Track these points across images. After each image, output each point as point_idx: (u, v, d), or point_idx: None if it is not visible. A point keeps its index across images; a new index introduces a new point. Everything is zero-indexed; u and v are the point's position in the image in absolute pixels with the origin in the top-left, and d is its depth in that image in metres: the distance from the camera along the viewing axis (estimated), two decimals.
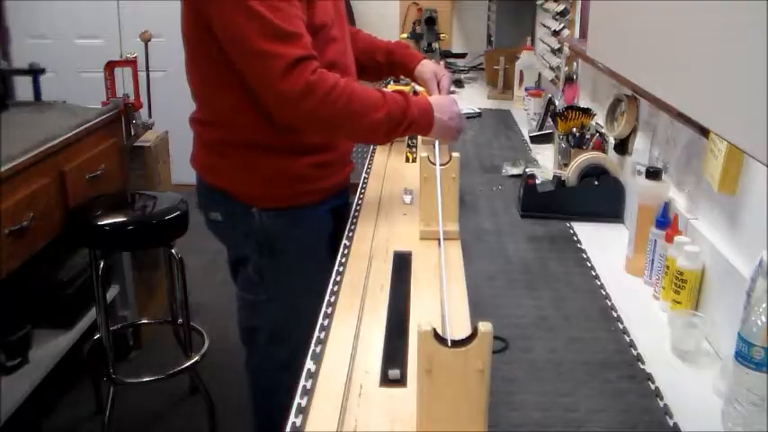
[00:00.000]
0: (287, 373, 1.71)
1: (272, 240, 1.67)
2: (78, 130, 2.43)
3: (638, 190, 1.57)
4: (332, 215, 1.78)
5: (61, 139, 2.31)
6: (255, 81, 1.49)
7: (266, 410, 1.89)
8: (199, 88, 1.64)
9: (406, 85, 2.23)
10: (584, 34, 2.41)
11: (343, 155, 1.77)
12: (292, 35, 1.44)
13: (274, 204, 1.65)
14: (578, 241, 1.71)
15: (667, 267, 1.37)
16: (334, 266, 1.51)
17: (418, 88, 1.97)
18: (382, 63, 1.93)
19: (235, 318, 1.87)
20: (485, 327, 0.84)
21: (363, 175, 2.09)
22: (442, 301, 1.24)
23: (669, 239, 1.40)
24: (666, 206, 1.47)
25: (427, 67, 1.88)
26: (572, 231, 1.77)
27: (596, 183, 1.82)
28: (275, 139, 1.60)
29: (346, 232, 1.67)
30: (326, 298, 1.35)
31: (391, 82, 2.68)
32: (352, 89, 1.51)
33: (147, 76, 2.78)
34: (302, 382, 1.09)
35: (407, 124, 1.58)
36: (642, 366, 1.19)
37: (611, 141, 1.97)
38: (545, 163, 2.27)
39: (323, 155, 1.67)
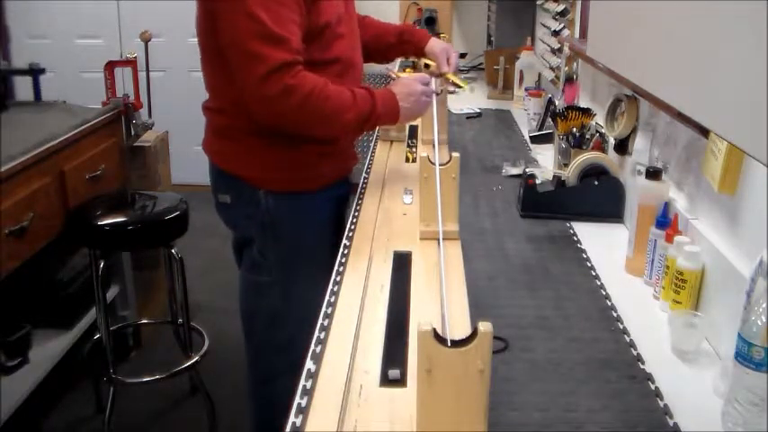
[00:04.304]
0: (284, 357, 1.78)
1: (276, 222, 1.75)
2: (78, 130, 2.43)
3: (638, 190, 1.57)
4: (337, 205, 1.87)
5: (61, 139, 2.31)
6: (240, 79, 1.58)
7: (263, 396, 1.94)
8: (210, 79, 1.73)
9: (413, 67, 2.32)
10: (584, 34, 2.41)
11: (347, 146, 1.85)
12: (282, 39, 1.52)
13: (279, 188, 1.74)
14: (578, 241, 1.71)
15: (667, 267, 1.37)
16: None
17: (429, 62, 2.04)
18: (394, 43, 2.04)
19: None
20: (485, 327, 0.84)
21: (363, 175, 2.09)
22: (442, 301, 1.24)
23: (669, 239, 1.40)
24: (666, 206, 1.47)
25: (437, 44, 2.01)
26: (572, 231, 1.77)
27: (596, 183, 1.82)
28: None
29: (346, 232, 1.67)
30: (326, 298, 1.35)
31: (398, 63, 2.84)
32: (327, 93, 1.59)
33: (147, 76, 2.78)
34: (302, 382, 1.08)
35: (375, 120, 1.68)
36: (642, 366, 1.19)
37: (611, 141, 1.97)
38: (545, 163, 2.27)
39: (328, 146, 1.76)
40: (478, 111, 3.00)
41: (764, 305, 0.96)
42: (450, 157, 1.51)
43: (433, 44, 2.00)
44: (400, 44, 2.04)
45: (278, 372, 1.85)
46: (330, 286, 1.40)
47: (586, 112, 2.04)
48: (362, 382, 1.08)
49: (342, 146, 1.82)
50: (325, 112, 1.60)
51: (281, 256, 1.79)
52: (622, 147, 1.89)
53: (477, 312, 1.28)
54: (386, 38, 2.04)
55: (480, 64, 3.90)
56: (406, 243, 1.57)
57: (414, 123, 2.55)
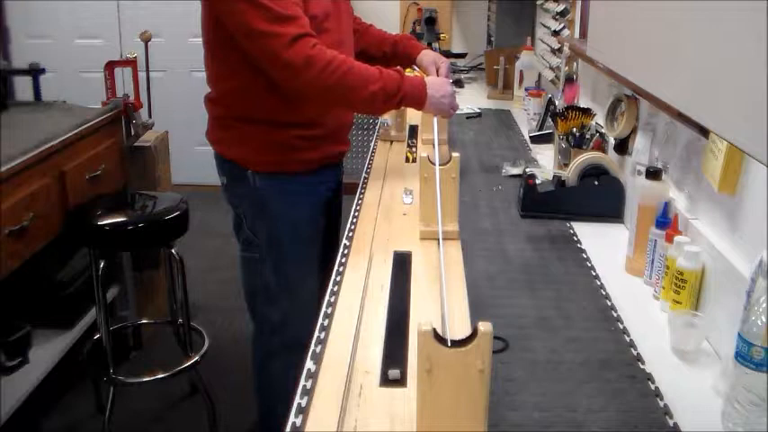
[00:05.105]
0: (278, 336, 1.94)
1: (264, 201, 1.87)
2: (78, 130, 2.43)
3: (638, 190, 1.57)
4: (326, 190, 1.96)
5: (61, 139, 2.31)
6: (262, 58, 1.68)
7: (262, 379, 2.06)
8: (209, 72, 1.88)
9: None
10: (584, 34, 2.41)
11: (333, 131, 1.92)
12: (289, 17, 1.64)
13: (266, 168, 1.85)
14: (578, 241, 1.71)
15: (667, 267, 1.37)
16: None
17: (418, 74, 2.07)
18: (389, 54, 2.12)
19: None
20: (485, 327, 0.84)
21: (363, 175, 2.09)
22: (442, 301, 1.24)
23: (669, 239, 1.40)
24: (666, 206, 1.47)
25: (427, 56, 2.07)
26: (572, 231, 1.77)
27: (596, 183, 1.82)
28: (267, 114, 1.80)
29: (346, 232, 1.68)
30: (326, 298, 1.36)
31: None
32: (349, 64, 1.70)
33: (147, 76, 2.78)
34: (302, 382, 1.08)
35: (401, 98, 1.76)
36: (642, 366, 1.19)
37: (611, 141, 1.97)
38: (545, 163, 2.27)
39: (311, 129, 1.85)
40: (478, 111, 3.00)
41: (764, 305, 0.96)
42: (451, 157, 1.52)
43: (423, 55, 2.06)
44: (394, 54, 2.11)
45: (273, 351, 1.97)
46: (330, 286, 1.40)
47: (586, 112, 2.04)
48: (362, 382, 1.08)
49: (327, 131, 1.88)
50: (349, 79, 1.68)
51: (270, 233, 1.90)
52: (622, 147, 1.89)
53: (477, 312, 1.29)
54: (382, 47, 2.12)
55: (480, 64, 3.90)
56: (406, 243, 1.57)
57: (414, 123, 2.55)
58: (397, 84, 1.74)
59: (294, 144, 1.83)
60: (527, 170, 1.99)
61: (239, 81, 1.78)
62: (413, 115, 2.46)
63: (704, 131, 1.34)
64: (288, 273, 1.91)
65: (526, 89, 3.00)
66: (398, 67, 1.84)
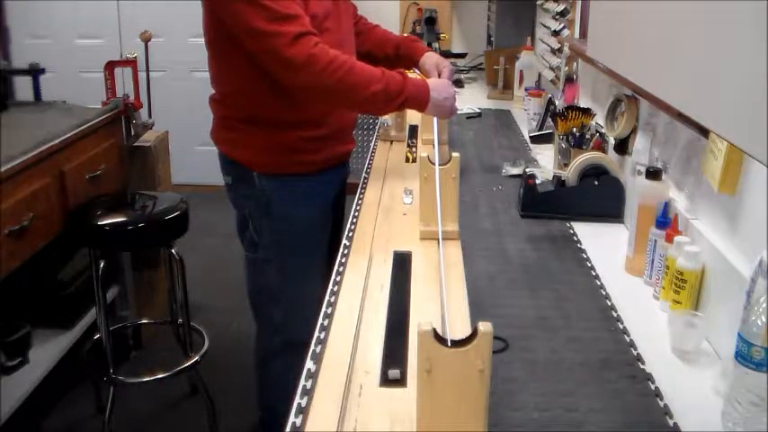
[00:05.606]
0: (279, 336, 1.95)
1: (269, 202, 1.87)
2: (78, 130, 2.43)
3: (638, 190, 1.57)
4: (331, 189, 1.97)
5: (61, 139, 2.31)
6: (263, 57, 1.69)
7: (263, 378, 2.08)
8: (213, 72, 1.88)
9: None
10: (584, 34, 2.41)
11: (337, 131, 1.92)
12: (290, 16, 1.65)
13: (271, 170, 1.86)
14: (578, 241, 1.71)
15: (667, 267, 1.37)
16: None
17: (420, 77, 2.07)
18: (391, 55, 2.11)
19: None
20: (485, 327, 0.84)
21: (363, 175, 2.09)
22: (442, 301, 1.24)
23: (669, 239, 1.40)
24: (666, 206, 1.47)
25: (430, 59, 2.06)
26: (572, 231, 1.77)
27: (596, 183, 1.82)
28: (272, 114, 1.81)
29: (346, 232, 1.68)
30: (326, 298, 1.36)
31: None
32: (351, 63, 1.71)
33: (147, 76, 2.78)
34: (302, 382, 1.09)
35: (403, 99, 1.77)
36: (642, 366, 1.19)
37: (611, 141, 1.97)
38: (545, 163, 2.27)
39: (315, 130, 1.85)
40: (478, 111, 3.00)
41: (764, 305, 0.96)
42: (450, 157, 1.51)
43: (426, 58, 2.05)
44: (397, 56, 2.10)
45: (274, 351, 1.98)
46: (330, 286, 1.40)
47: (586, 112, 2.04)
48: (362, 382, 1.08)
49: (330, 131, 1.88)
50: (350, 79, 1.68)
51: (275, 234, 1.90)
52: (622, 147, 1.89)
53: (477, 312, 1.29)
54: (385, 49, 2.11)
55: (480, 64, 3.90)
56: (406, 243, 1.57)
57: (414, 123, 2.55)
58: (400, 85, 1.75)
59: (299, 146, 1.84)
60: (527, 170, 1.99)
61: (242, 81, 1.79)
62: (413, 115, 2.46)
63: (704, 131, 1.34)
64: (292, 273, 1.91)
65: (526, 89, 3.00)
66: (401, 70, 1.84)
